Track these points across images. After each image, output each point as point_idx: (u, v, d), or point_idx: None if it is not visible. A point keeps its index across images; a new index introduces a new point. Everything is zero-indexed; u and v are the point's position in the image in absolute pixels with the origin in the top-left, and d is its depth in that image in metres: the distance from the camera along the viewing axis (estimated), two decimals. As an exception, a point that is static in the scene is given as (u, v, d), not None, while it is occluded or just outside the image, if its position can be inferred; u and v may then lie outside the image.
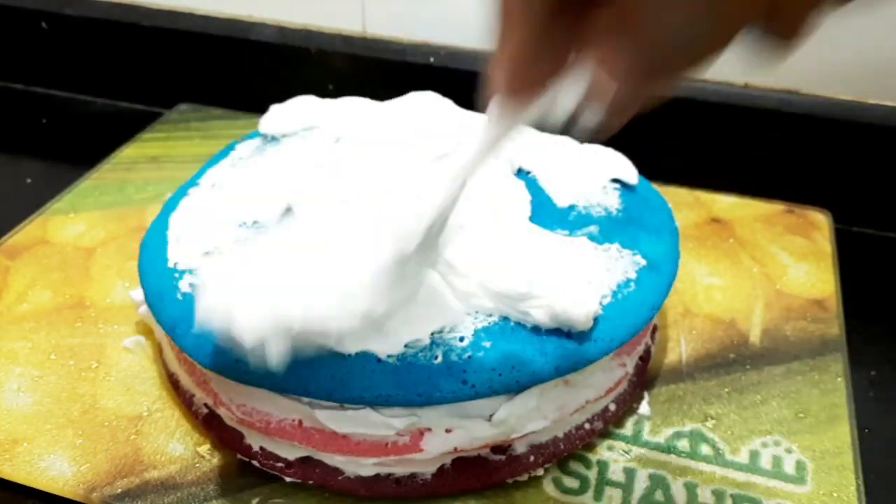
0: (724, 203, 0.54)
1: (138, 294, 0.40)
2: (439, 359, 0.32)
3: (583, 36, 0.22)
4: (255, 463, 0.36)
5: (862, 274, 0.50)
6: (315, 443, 0.34)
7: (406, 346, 0.32)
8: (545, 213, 0.38)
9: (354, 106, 0.45)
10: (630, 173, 0.42)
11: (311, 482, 0.35)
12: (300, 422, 0.34)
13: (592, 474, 0.36)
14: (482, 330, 0.33)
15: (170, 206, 0.42)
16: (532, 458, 0.36)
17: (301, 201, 0.36)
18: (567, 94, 0.23)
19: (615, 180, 0.42)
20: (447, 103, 0.45)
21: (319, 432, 0.34)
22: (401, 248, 0.28)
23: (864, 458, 0.37)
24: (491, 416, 0.34)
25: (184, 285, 0.36)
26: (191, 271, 0.36)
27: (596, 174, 0.41)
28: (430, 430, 0.34)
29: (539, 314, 0.32)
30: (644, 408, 0.39)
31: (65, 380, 0.41)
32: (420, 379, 0.32)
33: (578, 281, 0.34)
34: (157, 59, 0.67)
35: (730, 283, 0.47)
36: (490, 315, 0.33)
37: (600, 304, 0.34)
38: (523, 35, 0.21)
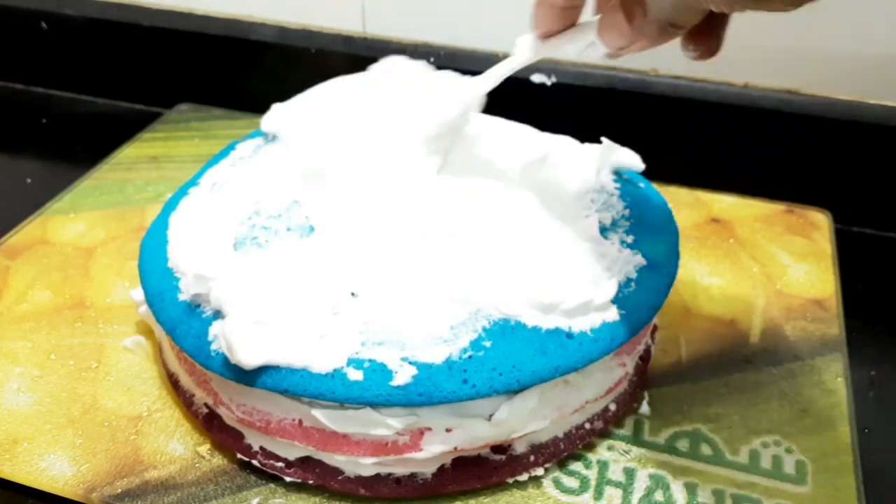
0: (724, 203, 0.54)
1: (138, 294, 0.40)
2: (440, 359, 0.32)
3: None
4: (255, 463, 0.36)
5: (862, 274, 0.50)
6: (315, 442, 0.34)
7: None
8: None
9: (337, 88, 0.44)
10: (634, 160, 0.42)
11: (311, 482, 0.35)
12: (300, 422, 0.34)
13: (592, 474, 0.36)
14: (483, 329, 0.33)
15: (170, 206, 0.42)
16: (532, 458, 0.36)
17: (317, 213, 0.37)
18: (579, 37, 0.33)
19: (618, 172, 0.42)
20: (420, 65, 0.44)
21: (319, 432, 0.34)
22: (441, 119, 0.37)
23: (864, 458, 0.37)
24: (491, 415, 0.34)
25: (184, 285, 0.36)
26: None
27: (599, 166, 0.41)
28: (430, 429, 0.34)
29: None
30: (644, 408, 0.39)
31: (65, 380, 0.41)
32: (420, 378, 0.32)
33: (581, 281, 0.34)
34: (157, 59, 0.67)
35: (730, 283, 0.47)
36: (491, 315, 0.33)
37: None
38: None
